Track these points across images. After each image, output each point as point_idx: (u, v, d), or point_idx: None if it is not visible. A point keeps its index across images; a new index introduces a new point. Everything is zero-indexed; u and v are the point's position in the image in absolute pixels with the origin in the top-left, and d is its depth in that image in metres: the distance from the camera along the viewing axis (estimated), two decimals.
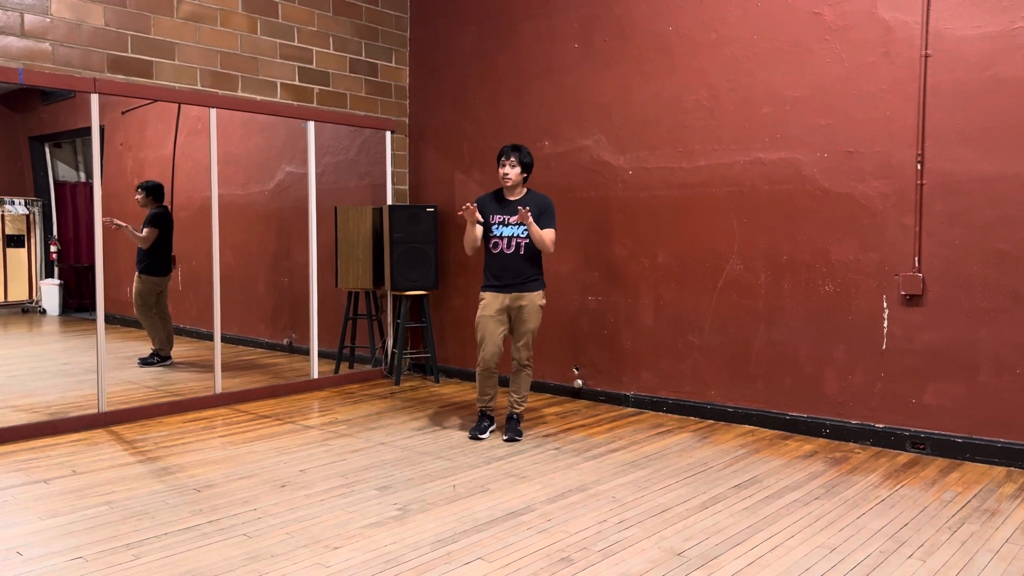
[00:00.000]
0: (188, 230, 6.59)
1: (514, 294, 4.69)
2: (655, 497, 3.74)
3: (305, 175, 6.31)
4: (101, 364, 5.12)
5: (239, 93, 5.76)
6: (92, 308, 5.14)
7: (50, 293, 7.26)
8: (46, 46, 4.81)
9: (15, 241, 7.08)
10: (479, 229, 4.73)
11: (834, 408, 4.79)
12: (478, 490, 3.84)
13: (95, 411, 5.11)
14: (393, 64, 6.81)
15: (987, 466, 4.23)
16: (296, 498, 3.71)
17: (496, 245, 4.71)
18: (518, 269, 4.69)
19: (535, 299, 4.73)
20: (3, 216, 7.02)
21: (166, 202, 6.60)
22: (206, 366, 6.05)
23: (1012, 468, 4.19)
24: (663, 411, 5.48)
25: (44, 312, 7.29)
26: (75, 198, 7.29)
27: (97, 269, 5.07)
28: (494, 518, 3.45)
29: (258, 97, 5.88)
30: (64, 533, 3.26)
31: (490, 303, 4.71)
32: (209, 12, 5.56)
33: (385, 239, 6.51)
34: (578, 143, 5.84)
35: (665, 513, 3.52)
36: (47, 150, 7.26)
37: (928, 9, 4.38)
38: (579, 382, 5.93)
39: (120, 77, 5.13)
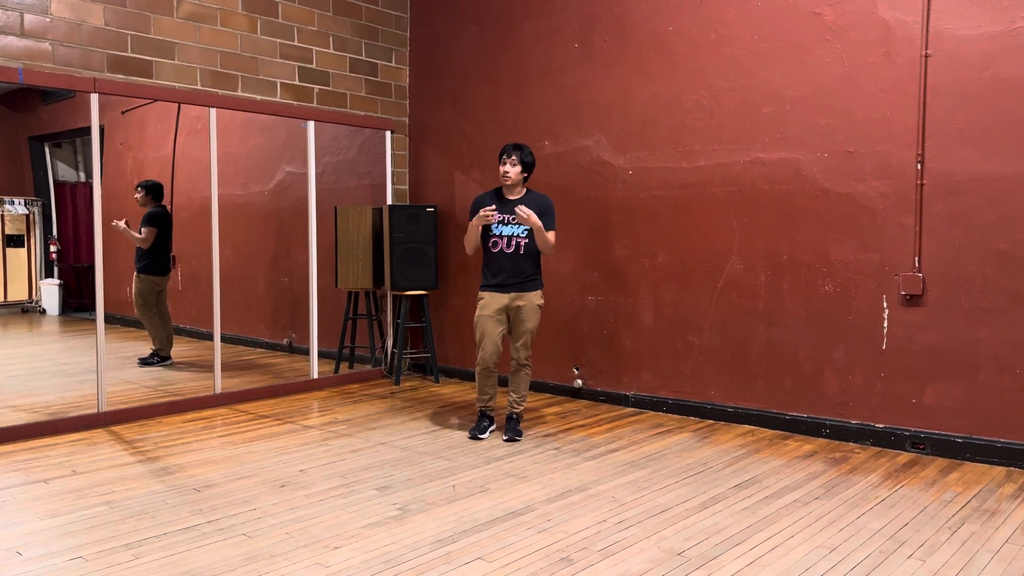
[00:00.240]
0: (188, 230, 6.59)
1: (513, 294, 4.69)
2: (655, 497, 3.74)
3: (305, 175, 6.31)
4: (101, 364, 5.12)
5: (239, 93, 5.75)
6: (92, 308, 5.14)
7: (50, 293, 7.26)
8: (46, 46, 4.81)
9: (15, 241, 7.08)
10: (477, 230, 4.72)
11: (834, 408, 4.78)
12: (478, 490, 3.84)
13: (95, 411, 5.11)
14: (393, 64, 6.81)
15: (987, 466, 4.23)
16: (296, 498, 3.71)
17: (496, 244, 4.71)
18: (517, 269, 4.69)
19: (534, 299, 4.73)
20: (3, 216, 7.01)
21: (166, 202, 6.59)
22: (206, 366, 6.05)
23: (1012, 468, 4.18)
24: (663, 411, 5.48)
25: (44, 312, 7.29)
26: (75, 198, 7.29)
27: (97, 269, 5.07)
28: (494, 518, 3.45)
29: (258, 97, 5.88)
30: (64, 533, 3.26)
31: (489, 303, 4.71)
32: (209, 12, 5.56)
33: (385, 239, 6.51)
34: (578, 143, 5.84)
35: (665, 513, 3.52)
36: (47, 150, 7.26)
37: (928, 9, 4.38)
38: (579, 382, 5.93)
39: (120, 77, 5.13)
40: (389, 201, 6.80)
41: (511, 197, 4.74)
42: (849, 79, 4.66)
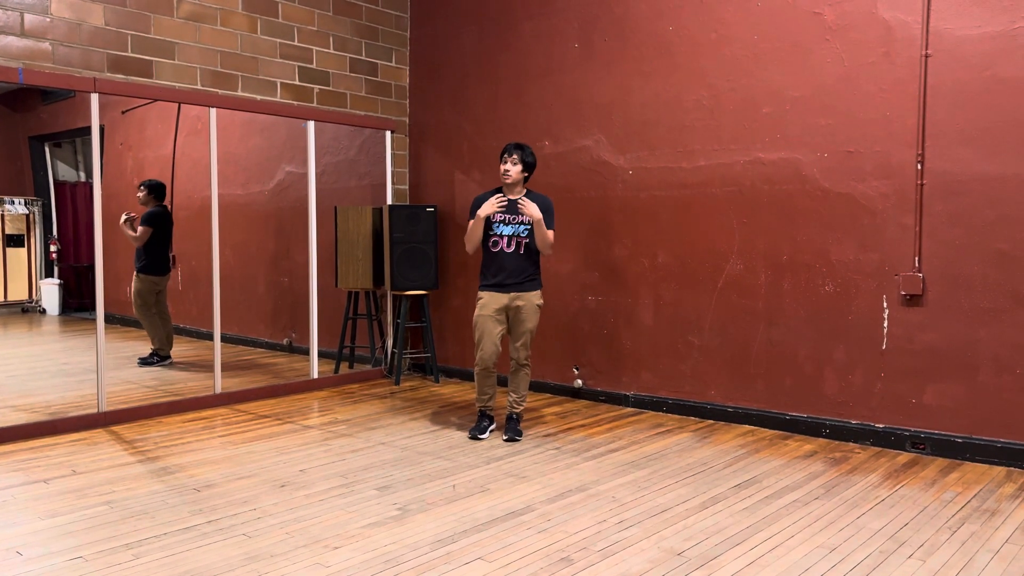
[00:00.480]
0: (188, 230, 6.59)
1: (512, 294, 4.69)
2: (655, 497, 3.74)
3: (305, 175, 6.31)
4: (101, 364, 5.12)
5: (239, 93, 5.75)
6: (92, 308, 5.14)
7: (50, 293, 7.26)
8: (46, 46, 4.81)
9: (15, 241, 7.08)
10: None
11: (834, 408, 4.78)
12: (478, 490, 3.84)
13: (95, 411, 5.11)
14: (393, 64, 6.81)
15: (987, 466, 4.23)
16: (296, 498, 3.71)
17: (496, 244, 4.71)
18: (517, 268, 4.69)
19: (533, 299, 4.73)
20: (3, 216, 7.01)
21: (167, 202, 6.59)
22: (206, 366, 6.05)
23: (1012, 468, 4.18)
24: (663, 411, 5.48)
25: (44, 312, 7.29)
26: (75, 198, 7.28)
27: (97, 269, 5.07)
28: (494, 518, 3.45)
29: (258, 97, 5.88)
30: (64, 533, 3.26)
31: (488, 302, 4.71)
32: (209, 12, 5.56)
33: (385, 239, 6.51)
34: (578, 143, 5.84)
35: (665, 513, 3.52)
36: (47, 150, 7.26)
37: (928, 9, 4.38)
38: (579, 382, 5.93)
39: (120, 77, 5.13)
40: (389, 201, 6.80)
41: (511, 197, 4.74)
42: (849, 79, 4.66)
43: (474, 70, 6.43)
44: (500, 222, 4.70)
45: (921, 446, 4.47)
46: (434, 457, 4.40)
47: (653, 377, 5.55)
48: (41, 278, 7.26)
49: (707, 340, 5.28)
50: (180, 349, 6.74)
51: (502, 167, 4.67)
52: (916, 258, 4.48)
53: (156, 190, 6.53)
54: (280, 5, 5.98)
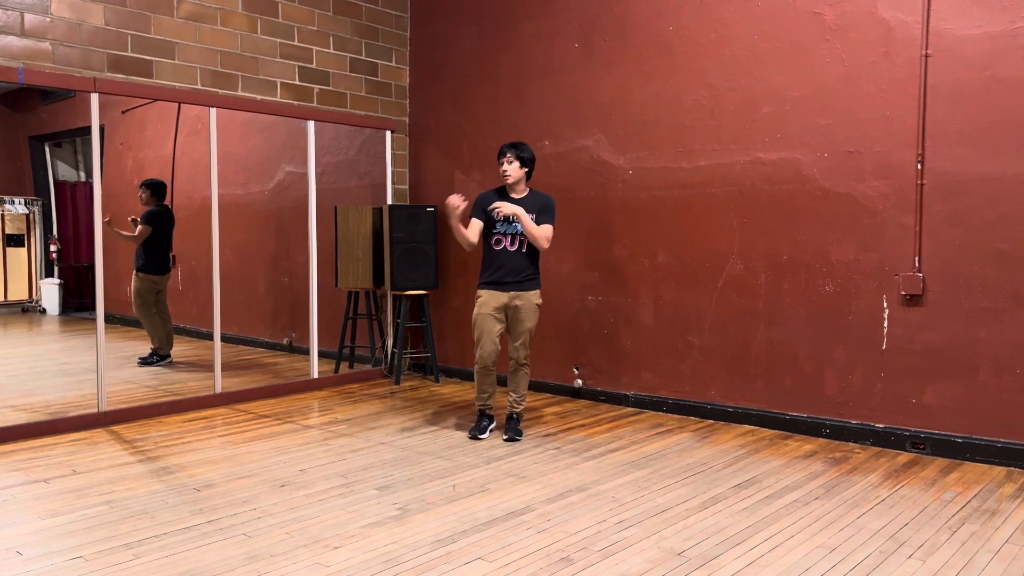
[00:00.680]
0: (188, 230, 6.59)
1: (512, 293, 4.69)
2: (655, 497, 3.74)
3: (305, 175, 6.31)
4: (101, 364, 5.12)
5: (239, 93, 5.76)
6: (92, 308, 5.14)
7: (50, 293, 7.26)
8: (46, 45, 4.81)
9: (15, 240, 7.08)
10: (476, 226, 4.70)
11: (834, 408, 4.78)
12: (478, 490, 3.84)
13: (95, 411, 5.11)
14: (393, 64, 6.81)
15: (987, 466, 4.23)
16: (296, 498, 3.71)
17: (499, 242, 4.71)
18: (517, 267, 4.69)
19: (532, 298, 4.73)
20: (3, 215, 7.01)
21: (167, 201, 6.59)
22: (206, 366, 6.05)
23: (1012, 468, 4.18)
24: (663, 411, 5.48)
25: (44, 312, 7.29)
26: (75, 198, 7.28)
27: (97, 269, 5.07)
28: (494, 518, 3.45)
29: (258, 97, 5.88)
30: (64, 533, 3.26)
31: (488, 301, 4.71)
32: (209, 12, 5.56)
33: (385, 239, 6.51)
34: (578, 143, 5.84)
35: (665, 513, 3.52)
36: (47, 149, 7.26)
37: (928, 9, 4.38)
38: (579, 382, 5.93)
39: (120, 76, 5.13)
40: (389, 201, 6.80)
41: (514, 195, 4.74)
42: (849, 79, 4.66)
43: (474, 70, 6.43)
44: (503, 221, 4.69)
45: (921, 446, 4.47)
46: (434, 457, 4.40)
47: (653, 377, 5.55)
48: (41, 278, 7.26)
49: (707, 340, 5.28)
50: (180, 349, 6.75)
51: (501, 169, 4.67)
52: (916, 258, 4.48)
53: (157, 189, 6.53)
54: (280, 5, 5.98)
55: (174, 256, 6.66)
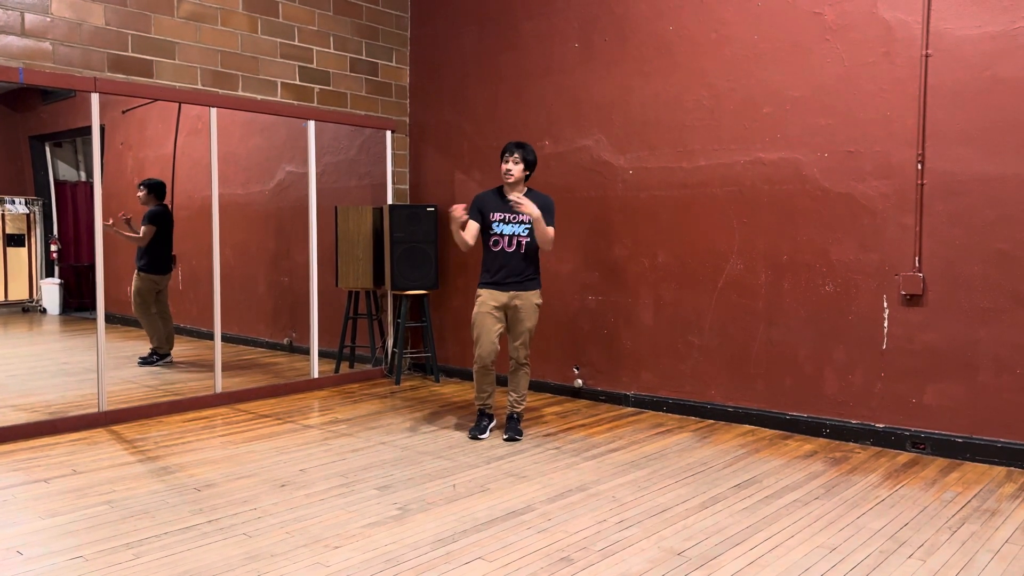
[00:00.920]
0: (188, 229, 6.59)
1: (511, 292, 4.69)
2: (655, 497, 3.74)
3: (305, 175, 6.32)
4: (101, 363, 5.13)
5: (239, 92, 5.76)
6: (92, 307, 5.14)
7: (50, 292, 7.26)
8: (46, 45, 4.81)
9: (15, 240, 7.08)
10: (473, 228, 4.70)
11: (834, 408, 4.78)
12: (478, 490, 3.84)
13: (95, 410, 5.11)
14: (393, 64, 6.81)
15: (987, 466, 4.23)
16: (296, 498, 3.71)
17: (497, 243, 4.71)
18: (517, 267, 4.69)
19: (532, 298, 4.73)
20: (3, 215, 7.02)
21: (167, 201, 6.59)
22: (206, 365, 6.05)
23: (1012, 468, 4.18)
24: (663, 411, 5.48)
25: (44, 311, 7.29)
26: (75, 197, 7.28)
27: (97, 268, 5.07)
28: (494, 518, 3.45)
29: (258, 96, 5.88)
30: (64, 532, 3.26)
31: (487, 300, 4.71)
32: (209, 11, 5.56)
33: (385, 239, 6.51)
34: (578, 143, 5.84)
35: (665, 513, 3.52)
36: (47, 149, 7.26)
37: (928, 9, 4.38)
38: (579, 382, 5.93)
39: (120, 76, 5.14)
40: (389, 201, 6.80)
41: (512, 196, 4.73)
42: (849, 79, 4.66)
43: (474, 70, 6.44)
44: (500, 221, 4.70)
45: (921, 446, 4.47)
46: (434, 457, 4.40)
47: (653, 377, 5.55)
48: (41, 278, 7.26)
49: (707, 340, 5.28)
50: (180, 349, 6.75)
51: (504, 167, 4.67)
52: (916, 258, 4.48)
53: (156, 189, 6.53)
54: (280, 5, 5.98)
55: (175, 256, 6.66)
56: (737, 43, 5.07)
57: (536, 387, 6.08)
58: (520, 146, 4.68)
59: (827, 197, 4.77)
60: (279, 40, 5.99)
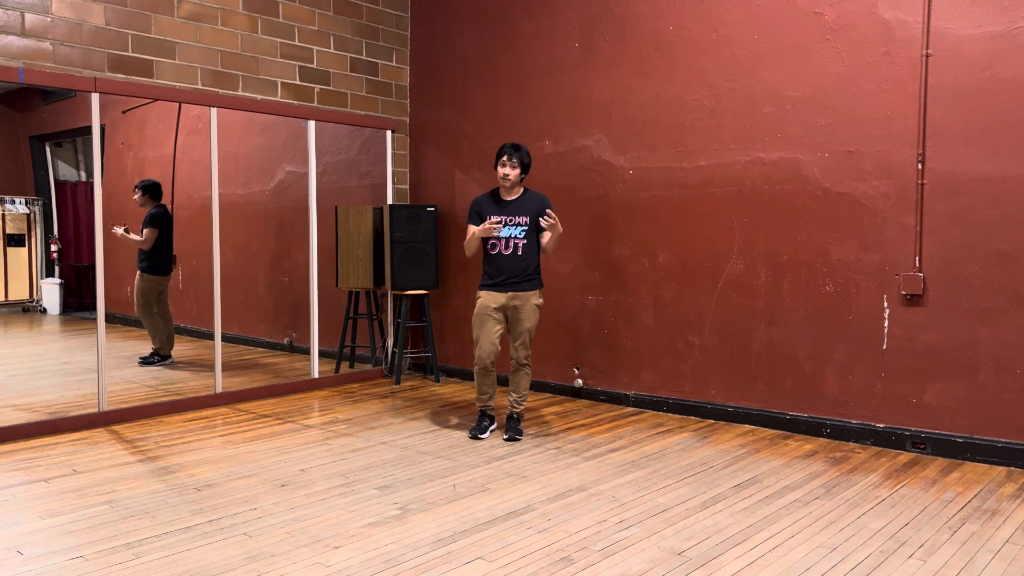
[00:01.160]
0: (188, 229, 6.59)
1: (511, 293, 4.69)
2: (655, 497, 3.74)
3: (305, 174, 6.32)
4: (101, 363, 5.13)
5: (239, 92, 5.76)
6: (93, 307, 5.14)
7: (51, 292, 7.26)
8: (47, 45, 4.81)
9: (15, 240, 7.08)
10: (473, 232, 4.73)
11: (834, 408, 4.78)
12: (478, 490, 3.84)
13: (95, 410, 5.11)
14: (394, 63, 6.81)
15: (987, 466, 4.23)
16: (296, 497, 3.71)
17: (494, 246, 4.71)
18: (516, 269, 4.69)
19: (532, 299, 4.73)
20: (3, 215, 7.02)
21: (167, 201, 6.59)
22: (206, 365, 6.05)
23: (1012, 468, 4.18)
24: (663, 411, 5.48)
25: (44, 311, 7.29)
26: (76, 197, 7.28)
27: (98, 268, 5.07)
28: (494, 518, 3.45)
29: (259, 96, 5.88)
30: (64, 532, 3.26)
31: (487, 301, 4.72)
32: (209, 11, 5.56)
33: (385, 239, 6.51)
34: (578, 143, 5.84)
35: (665, 513, 3.52)
36: (48, 149, 7.26)
37: (929, 9, 4.38)
38: (579, 382, 5.93)
39: (120, 76, 5.14)
40: (390, 201, 6.80)
41: (509, 198, 4.74)
42: (849, 79, 4.66)
43: (474, 70, 6.43)
44: (498, 224, 4.69)
45: (921, 446, 4.47)
46: (434, 456, 4.40)
47: (653, 377, 5.55)
48: (42, 278, 7.26)
49: (707, 340, 5.28)
50: (181, 349, 6.75)
51: (501, 171, 4.67)
52: (916, 258, 4.48)
53: (152, 190, 6.52)
54: (280, 5, 5.98)
55: (175, 256, 6.66)
56: (737, 43, 5.07)
57: (536, 387, 6.08)
58: (516, 148, 4.68)
59: (827, 197, 4.77)
60: (279, 40, 5.99)
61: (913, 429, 4.51)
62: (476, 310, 4.75)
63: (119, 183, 6.85)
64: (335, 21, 6.35)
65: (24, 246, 7.12)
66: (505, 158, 4.66)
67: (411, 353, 6.93)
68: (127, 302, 6.61)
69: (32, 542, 3.16)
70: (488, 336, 4.69)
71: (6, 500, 3.65)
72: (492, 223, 4.60)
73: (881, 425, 4.62)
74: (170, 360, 6.62)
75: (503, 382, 5.89)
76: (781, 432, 4.94)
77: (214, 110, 5.60)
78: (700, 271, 5.29)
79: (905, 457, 4.41)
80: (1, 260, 7.02)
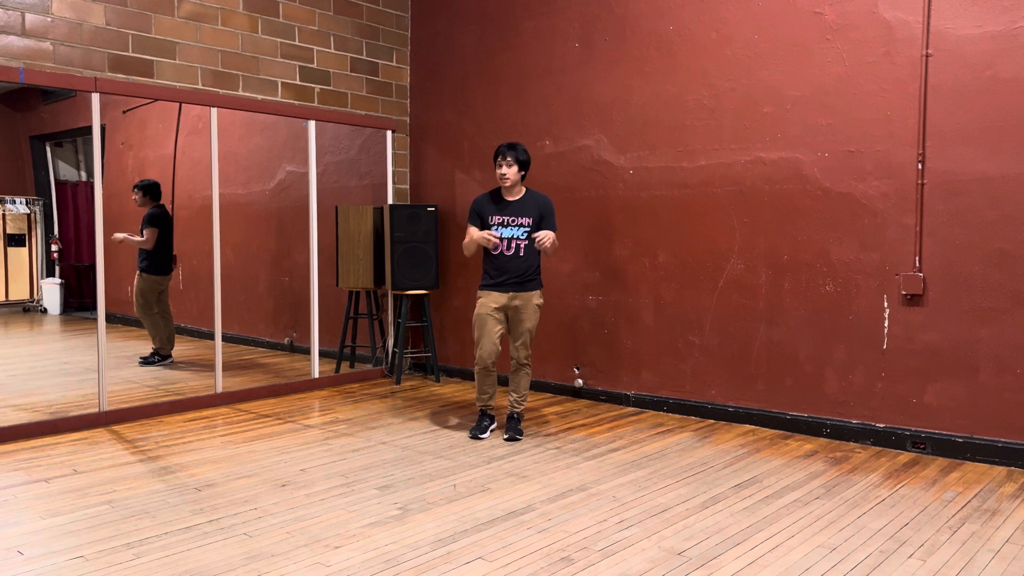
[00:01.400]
0: (189, 229, 6.59)
1: (511, 293, 4.69)
2: (655, 497, 3.74)
3: (306, 174, 6.32)
4: (102, 363, 5.13)
5: (240, 92, 5.76)
6: (93, 307, 5.15)
7: (51, 292, 7.26)
8: (47, 45, 4.81)
9: (16, 240, 7.08)
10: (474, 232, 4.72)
11: (835, 408, 4.78)
12: (478, 489, 3.84)
13: (96, 410, 5.12)
14: (394, 63, 6.81)
15: (987, 466, 4.23)
16: (296, 497, 3.71)
17: (496, 247, 4.71)
18: (517, 269, 4.69)
19: (532, 299, 4.73)
20: (4, 215, 7.02)
21: (167, 201, 6.59)
22: (207, 365, 6.05)
23: (1013, 468, 4.18)
24: (663, 411, 5.48)
25: (45, 311, 7.29)
26: (76, 197, 7.28)
27: (98, 268, 5.08)
28: (494, 518, 3.45)
29: (259, 96, 5.88)
30: (65, 532, 3.27)
31: (487, 301, 4.72)
32: (210, 11, 5.56)
33: (386, 238, 6.51)
34: (579, 143, 5.84)
35: (665, 513, 3.52)
36: (48, 149, 7.26)
37: (929, 8, 4.38)
38: (580, 381, 5.93)
39: (121, 76, 5.14)
40: (390, 200, 6.80)
41: (510, 198, 4.74)
42: (850, 79, 4.66)
43: (474, 70, 6.44)
44: (499, 224, 4.70)
45: (922, 446, 4.47)
46: (435, 456, 4.40)
47: (654, 377, 5.55)
48: (42, 277, 7.26)
49: (708, 340, 5.28)
50: (181, 348, 6.75)
51: (498, 172, 4.67)
52: (917, 258, 4.48)
53: (151, 190, 6.52)
54: (281, 5, 5.98)
55: (175, 256, 6.67)
56: (737, 43, 5.07)
57: (537, 387, 6.08)
58: (512, 147, 4.67)
59: (827, 197, 4.77)
60: (279, 40, 5.99)
61: (913, 429, 4.51)
62: (477, 310, 4.75)
63: (119, 183, 6.85)
64: (335, 21, 6.35)
65: (24, 246, 7.12)
66: (500, 158, 4.66)
67: (411, 353, 6.94)
68: (127, 302, 6.61)
69: (32, 542, 3.16)
70: (489, 336, 4.69)
71: (6, 500, 3.65)
72: (491, 235, 4.58)
73: (881, 425, 4.62)
74: (170, 360, 6.62)
75: (503, 382, 5.89)
76: (781, 432, 4.94)
77: (214, 110, 5.60)
78: (700, 271, 5.29)
79: (905, 457, 4.41)
80: (1, 260, 7.02)
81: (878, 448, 4.58)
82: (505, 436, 4.77)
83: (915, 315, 4.50)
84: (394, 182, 6.85)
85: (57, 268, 7.26)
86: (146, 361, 6.58)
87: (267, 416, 5.38)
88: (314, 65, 6.22)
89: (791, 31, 4.85)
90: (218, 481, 3.94)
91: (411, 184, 7.00)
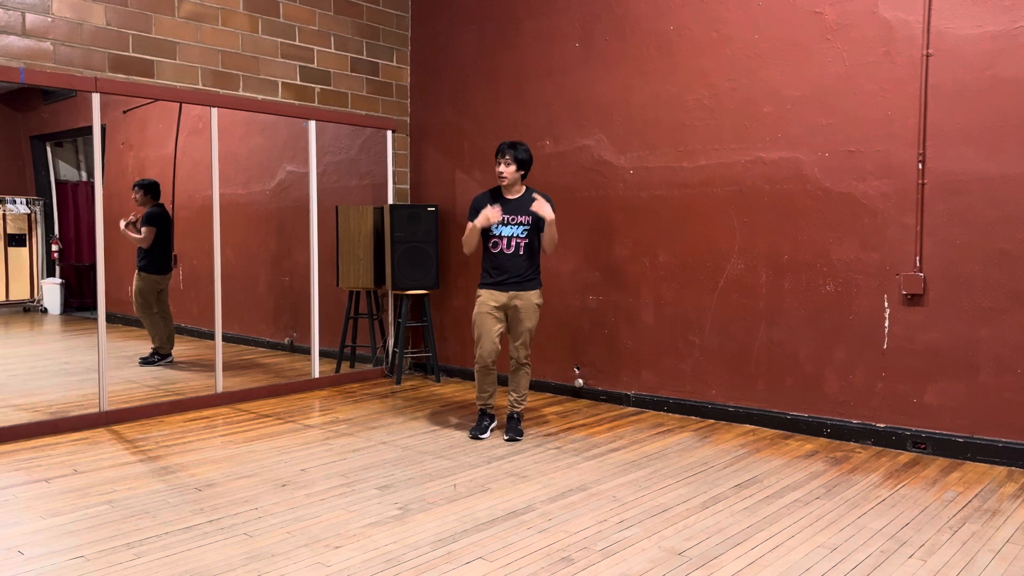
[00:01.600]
0: (189, 229, 6.59)
1: (511, 292, 4.69)
2: (655, 497, 3.74)
3: (306, 174, 6.32)
4: (102, 363, 5.13)
5: (240, 92, 5.76)
6: (93, 307, 5.15)
7: (51, 292, 7.26)
8: (47, 45, 4.81)
9: (16, 240, 7.08)
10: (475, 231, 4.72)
11: (835, 408, 4.78)
12: (479, 489, 3.84)
13: (96, 410, 5.12)
14: (394, 63, 6.81)
15: (988, 466, 4.22)
16: (297, 497, 3.71)
17: (496, 245, 4.71)
18: (517, 268, 4.69)
19: (532, 298, 4.73)
20: (4, 215, 7.02)
21: (167, 201, 6.59)
22: (207, 365, 6.05)
23: (1013, 468, 4.18)
24: (664, 411, 5.48)
25: (45, 311, 7.29)
26: (76, 197, 7.29)
27: (98, 268, 5.08)
28: (495, 518, 3.45)
29: (259, 96, 5.88)
30: (65, 532, 3.27)
31: (487, 300, 4.72)
32: (210, 11, 5.56)
33: (386, 238, 6.51)
34: (579, 143, 5.84)
35: (665, 513, 3.52)
36: (48, 149, 7.26)
37: (929, 8, 4.38)
38: (580, 381, 5.93)
39: (121, 76, 5.14)
40: (390, 200, 6.80)
41: (510, 197, 4.74)
42: (850, 79, 4.66)
43: (475, 70, 6.44)
44: (500, 223, 4.69)
45: (922, 446, 4.47)
46: (435, 456, 4.40)
47: (654, 376, 5.55)
48: (42, 277, 7.26)
49: (708, 340, 5.28)
50: (181, 348, 6.75)
51: (497, 170, 4.67)
52: (917, 258, 4.48)
53: (151, 189, 6.52)
54: (281, 5, 5.98)
55: (175, 255, 6.67)
56: (738, 42, 5.07)
57: (537, 387, 6.08)
58: (512, 146, 4.67)
59: (828, 197, 4.77)
60: (280, 40, 5.99)
61: (914, 429, 4.51)
62: (476, 309, 4.75)
63: (120, 183, 6.85)
64: (335, 21, 6.36)
65: (25, 246, 7.12)
66: (500, 156, 4.66)
67: (411, 353, 6.94)
68: (128, 302, 6.61)
69: (33, 542, 3.16)
70: (489, 335, 4.69)
71: (7, 500, 3.65)
72: (493, 212, 4.58)
73: (882, 425, 4.62)
74: (170, 359, 6.62)
75: (503, 382, 5.89)
76: (782, 432, 4.94)
77: (215, 110, 5.60)
78: (700, 271, 5.29)
79: (906, 457, 4.41)
80: (2, 260, 7.02)
81: (878, 448, 4.58)
82: (505, 436, 4.77)
83: (915, 315, 4.49)
84: (394, 182, 6.85)
85: (57, 268, 7.26)
86: (146, 361, 6.58)
87: (267, 416, 5.38)
88: (314, 65, 6.22)
89: (791, 31, 4.85)
90: (218, 481, 3.94)
91: (411, 184, 7.00)
